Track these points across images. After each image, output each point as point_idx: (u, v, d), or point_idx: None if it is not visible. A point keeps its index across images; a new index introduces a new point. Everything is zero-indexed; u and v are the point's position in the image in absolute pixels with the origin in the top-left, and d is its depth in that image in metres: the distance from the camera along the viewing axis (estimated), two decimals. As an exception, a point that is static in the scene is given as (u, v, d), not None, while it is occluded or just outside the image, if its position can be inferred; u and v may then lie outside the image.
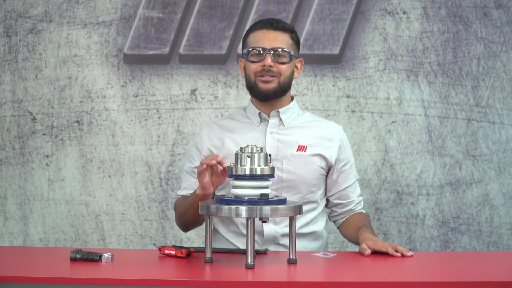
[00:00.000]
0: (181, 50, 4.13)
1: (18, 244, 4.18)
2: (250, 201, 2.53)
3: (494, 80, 4.11)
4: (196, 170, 2.98)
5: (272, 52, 2.96)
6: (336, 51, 4.12)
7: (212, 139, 3.04)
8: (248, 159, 2.56)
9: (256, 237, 2.97)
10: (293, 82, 4.12)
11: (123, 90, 4.15)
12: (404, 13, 4.12)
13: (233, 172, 2.57)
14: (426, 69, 4.12)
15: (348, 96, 4.13)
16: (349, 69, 4.13)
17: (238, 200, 2.54)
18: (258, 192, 2.55)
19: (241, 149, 2.57)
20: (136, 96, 4.16)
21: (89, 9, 4.15)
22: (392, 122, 4.13)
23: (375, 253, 2.76)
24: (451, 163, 4.12)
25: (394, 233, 4.13)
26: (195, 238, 4.14)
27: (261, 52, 2.96)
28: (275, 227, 2.97)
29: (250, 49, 2.98)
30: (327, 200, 3.09)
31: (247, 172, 2.56)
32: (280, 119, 3.04)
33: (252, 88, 3.00)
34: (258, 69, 2.97)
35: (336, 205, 3.08)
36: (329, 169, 3.05)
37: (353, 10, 4.11)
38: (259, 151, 2.57)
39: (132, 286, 2.38)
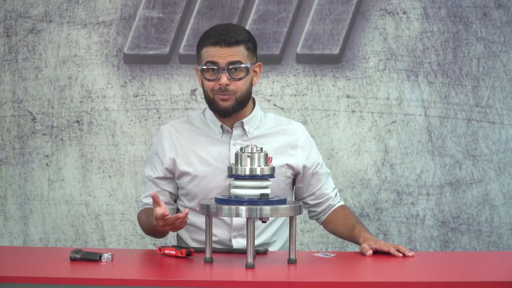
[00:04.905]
0: (181, 50, 4.13)
1: (18, 244, 4.18)
2: (250, 201, 2.53)
3: (494, 80, 4.11)
4: (156, 181, 3.00)
5: (226, 70, 2.87)
6: (336, 51, 4.12)
7: (173, 150, 2.98)
8: (248, 159, 2.56)
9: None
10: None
11: (123, 90, 4.15)
12: (404, 13, 4.11)
13: (233, 172, 2.57)
14: (426, 69, 4.11)
15: (348, 96, 4.13)
16: (349, 69, 4.13)
17: (238, 200, 2.54)
18: (258, 192, 2.55)
19: (241, 149, 2.57)
20: (136, 96, 4.16)
21: (89, 9, 4.15)
22: (392, 122, 4.13)
23: (376, 253, 2.76)
24: (451, 163, 4.12)
25: (394, 233, 4.12)
26: (195, 238, 4.14)
27: (216, 69, 2.88)
28: (243, 241, 2.93)
29: (205, 67, 2.89)
30: (303, 202, 3.04)
31: (247, 172, 2.55)
32: (244, 129, 2.98)
33: (211, 104, 2.93)
34: (215, 87, 2.89)
35: (314, 205, 3.05)
36: (296, 175, 3.02)
37: (353, 10, 4.11)
38: (259, 151, 2.57)
39: (132, 286, 2.38)
